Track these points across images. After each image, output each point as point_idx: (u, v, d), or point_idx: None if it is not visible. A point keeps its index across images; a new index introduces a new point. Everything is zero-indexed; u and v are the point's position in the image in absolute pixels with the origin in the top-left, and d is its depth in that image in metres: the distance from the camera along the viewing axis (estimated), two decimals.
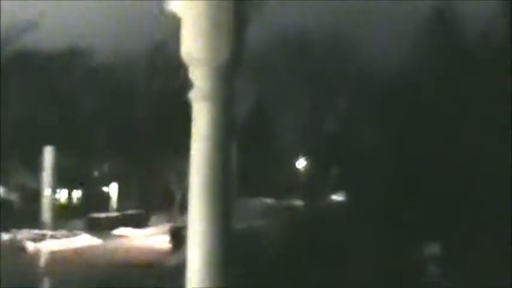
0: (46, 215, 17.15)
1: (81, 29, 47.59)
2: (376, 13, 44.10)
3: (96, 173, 51.12)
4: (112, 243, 36.59)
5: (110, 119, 44.79)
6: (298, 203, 34.13)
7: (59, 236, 32.92)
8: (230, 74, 3.21)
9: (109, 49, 43.90)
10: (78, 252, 32.34)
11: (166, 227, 38.46)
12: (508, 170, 17.17)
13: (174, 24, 3.35)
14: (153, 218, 44.77)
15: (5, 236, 33.30)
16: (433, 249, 19.95)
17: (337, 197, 32.04)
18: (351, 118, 36.21)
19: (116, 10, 47.56)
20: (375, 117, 26.98)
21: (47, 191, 17.12)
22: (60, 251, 28.26)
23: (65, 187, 46.05)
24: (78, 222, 40.63)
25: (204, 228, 3.14)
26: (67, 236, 35.27)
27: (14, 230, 34.30)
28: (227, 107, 3.19)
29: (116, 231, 40.57)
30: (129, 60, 45.74)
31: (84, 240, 36.47)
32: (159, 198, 47.19)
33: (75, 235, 36.66)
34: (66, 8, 47.61)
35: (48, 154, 16.60)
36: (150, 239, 38.59)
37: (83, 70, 46.63)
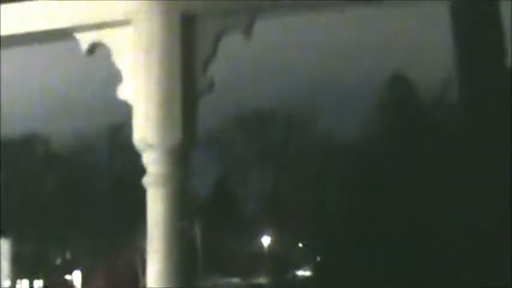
0: None
1: (39, 115, 47.40)
2: (331, 85, 44.85)
3: (58, 261, 49.91)
4: None
5: (69, 205, 44.09)
6: (263, 280, 33.71)
7: None
8: (183, 157, 3.17)
9: (66, 135, 43.74)
10: None
11: None
12: (467, 235, 17.24)
13: (127, 110, 3.32)
14: None
15: None
16: None
17: (303, 272, 31.78)
18: (315, 191, 36.31)
19: (71, 96, 47.61)
20: (339, 189, 27.10)
21: (5, 283, 16.62)
22: None
23: (25, 277, 44.76)
24: None
25: None
26: None
27: None
28: (182, 191, 3.14)
29: None
30: (87, 145, 45.57)
31: None
32: (125, 284, 46.11)
33: None
34: (23, 95, 47.52)
35: (4, 245, 16.19)
36: None
37: (40, 156, 46.19)
